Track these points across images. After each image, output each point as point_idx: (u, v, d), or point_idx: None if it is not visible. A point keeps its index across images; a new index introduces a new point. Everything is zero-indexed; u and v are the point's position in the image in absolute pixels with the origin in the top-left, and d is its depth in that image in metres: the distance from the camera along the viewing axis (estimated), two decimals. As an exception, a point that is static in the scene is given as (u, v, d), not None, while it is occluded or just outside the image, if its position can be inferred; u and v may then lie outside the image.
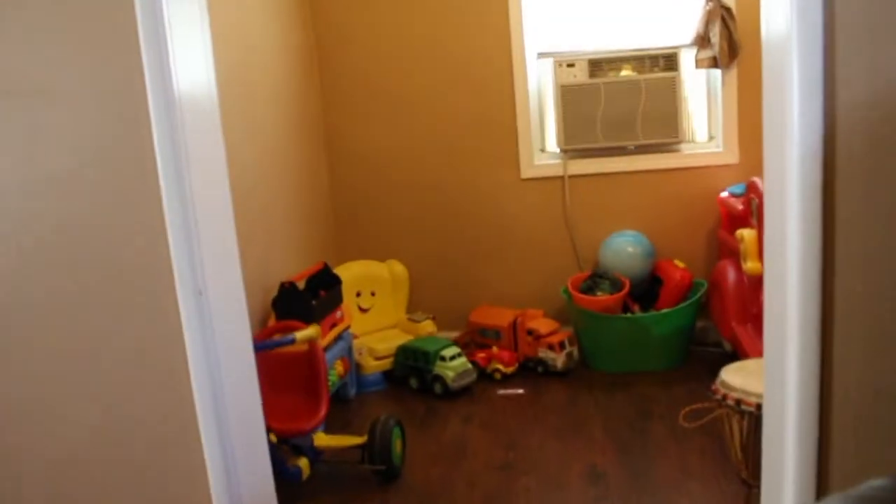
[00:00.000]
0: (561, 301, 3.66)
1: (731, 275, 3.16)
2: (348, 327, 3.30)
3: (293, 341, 2.35)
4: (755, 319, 2.92)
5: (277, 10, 3.35)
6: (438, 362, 3.32)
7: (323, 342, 2.99)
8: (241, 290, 1.89)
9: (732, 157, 3.56)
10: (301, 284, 3.05)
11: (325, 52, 3.75)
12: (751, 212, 2.90)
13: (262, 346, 2.30)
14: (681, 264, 3.49)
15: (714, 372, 2.18)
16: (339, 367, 3.17)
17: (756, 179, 2.85)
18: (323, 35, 3.73)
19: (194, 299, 1.70)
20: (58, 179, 1.43)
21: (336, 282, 3.24)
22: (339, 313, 3.20)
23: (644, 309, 3.51)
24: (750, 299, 2.97)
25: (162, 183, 1.62)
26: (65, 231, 1.44)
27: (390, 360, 3.50)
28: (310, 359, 2.52)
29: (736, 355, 3.07)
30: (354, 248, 3.87)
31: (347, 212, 3.89)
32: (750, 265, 2.79)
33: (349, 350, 3.32)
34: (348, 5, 3.68)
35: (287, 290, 2.95)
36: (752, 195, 2.87)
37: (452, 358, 3.32)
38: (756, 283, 2.84)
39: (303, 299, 2.93)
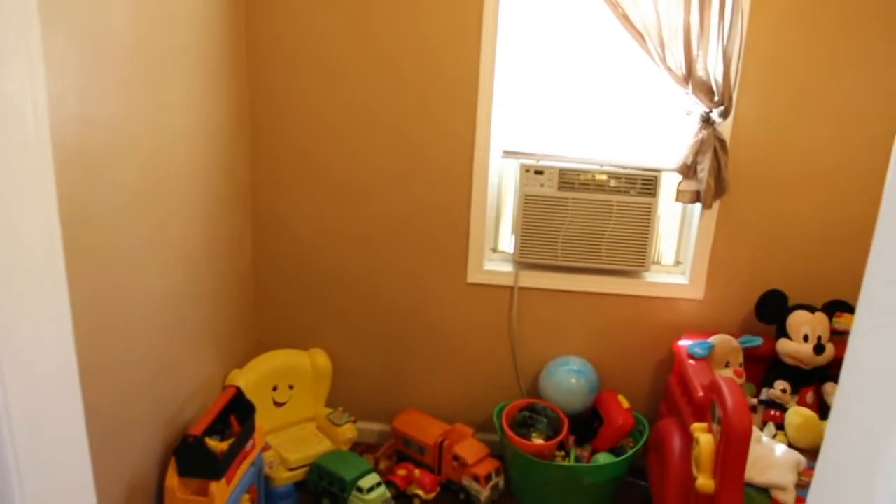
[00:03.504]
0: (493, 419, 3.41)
1: (676, 445, 2.94)
2: (262, 448, 3.00)
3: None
4: (696, 522, 2.75)
5: (207, 82, 2.81)
6: (355, 493, 3.07)
7: (229, 489, 2.70)
8: None
9: (697, 293, 3.28)
10: (209, 425, 2.71)
11: (260, 120, 3.21)
12: (711, 415, 2.66)
13: None
14: (625, 403, 3.27)
15: None
16: (245, 502, 2.89)
17: (721, 383, 2.59)
18: (259, 101, 3.18)
19: None
20: None
21: (251, 410, 2.91)
22: (250, 443, 2.89)
23: (579, 443, 3.31)
24: (697, 496, 2.77)
25: None
26: None
27: (304, 469, 3.23)
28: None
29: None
30: (276, 334, 3.49)
31: (270, 294, 3.47)
32: (701, 481, 2.57)
33: (259, 473, 3.03)
34: (294, 68, 3.13)
35: (191, 444, 2.61)
36: (716, 399, 2.62)
37: (370, 490, 3.07)
38: (706, 497, 2.64)
39: (208, 456, 2.61)
